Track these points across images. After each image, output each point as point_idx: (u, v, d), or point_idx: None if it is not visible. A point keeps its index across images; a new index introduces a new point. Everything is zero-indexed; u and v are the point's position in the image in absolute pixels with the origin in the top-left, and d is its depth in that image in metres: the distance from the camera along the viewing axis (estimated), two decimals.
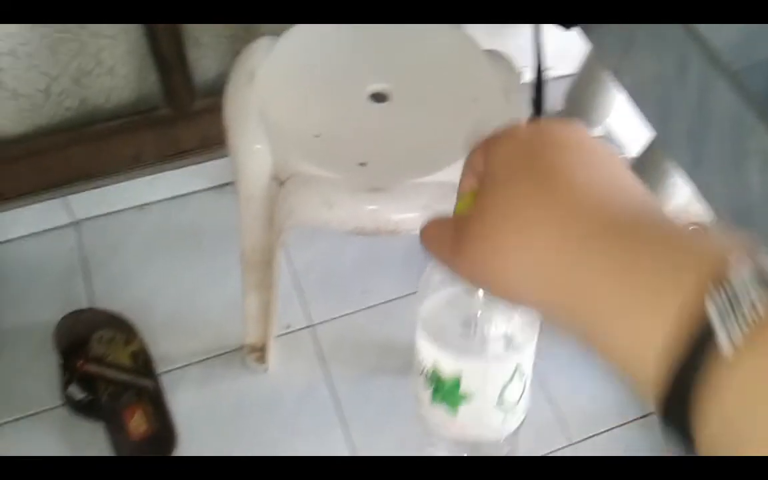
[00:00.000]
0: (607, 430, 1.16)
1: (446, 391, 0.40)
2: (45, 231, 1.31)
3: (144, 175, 1.30)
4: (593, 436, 1.15)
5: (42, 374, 1.14)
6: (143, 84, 1.22)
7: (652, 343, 0.25)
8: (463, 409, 0.41)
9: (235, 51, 1.00)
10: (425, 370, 0.41)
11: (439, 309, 0.40)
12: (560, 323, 0.29)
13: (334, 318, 1.24)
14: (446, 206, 0.36)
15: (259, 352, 1.15)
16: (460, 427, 0.42)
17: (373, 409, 1.15)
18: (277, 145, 0.87)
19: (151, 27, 1.12)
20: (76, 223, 1.32)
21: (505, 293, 0.30)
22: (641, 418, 1.16)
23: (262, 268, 1.01)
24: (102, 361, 1.13)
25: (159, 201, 1.34)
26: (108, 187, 1.29)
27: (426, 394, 0.42)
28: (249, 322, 1.12)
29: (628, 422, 1.16)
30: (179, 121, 1.26)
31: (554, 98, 1.29)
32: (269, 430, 1.13)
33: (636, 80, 0.77)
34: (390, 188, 0.84)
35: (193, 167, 1.32)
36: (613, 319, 0.26)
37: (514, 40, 1.07)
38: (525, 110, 0.96)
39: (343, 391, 1.17)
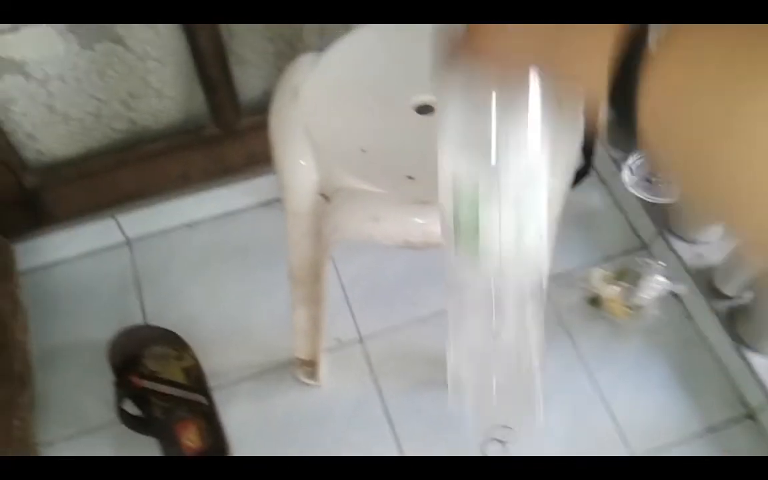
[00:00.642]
0: (669, 444, 1.12)
1: (467, 235, 0.45)
2: (98, 250, 1.33)
3: (192, 193, 1.32)
4: (655, 449, 1.11)
5: (96, 390, 1.16)
6: (190, 104, 1.24)
7: (604, 56, 0.32)
8: (485, 259, 0.45)
9: (279, 68, 1.01)
10: (448, 223, 0.45)
11: (456, 151, 0.44)
12: (547, 72, 0.39)
13: (383, 331, 1.23)
14: None
15: (310, 366, 1.15)
16: (485, 278, 0.46)
17: (424, 422, 1.13)
18: (323, 160, 0.87)
19: (196, 46, 1.14)
20: (127, 243, 1.34)
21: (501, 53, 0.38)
22: (704, 432, 1.12)
23: (311, 283, 1.01)
24: (155, 377, 1.14)
25: (207, 218, 1.36)
26: (157, 206, 1.31)
27: (452, 250, 0.46)
28: (299, 337, 1.12)
29: (690, 436, 1.12)
30: (226, 140, 1.27)
31: None
32: (320, 444, 1.13)
33: None
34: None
35: (241, 185, 1.33)
36: (577, 51, 0.35)
37: None
38: (578, 116, 0.94)
39: (393, 404, 1.16)
